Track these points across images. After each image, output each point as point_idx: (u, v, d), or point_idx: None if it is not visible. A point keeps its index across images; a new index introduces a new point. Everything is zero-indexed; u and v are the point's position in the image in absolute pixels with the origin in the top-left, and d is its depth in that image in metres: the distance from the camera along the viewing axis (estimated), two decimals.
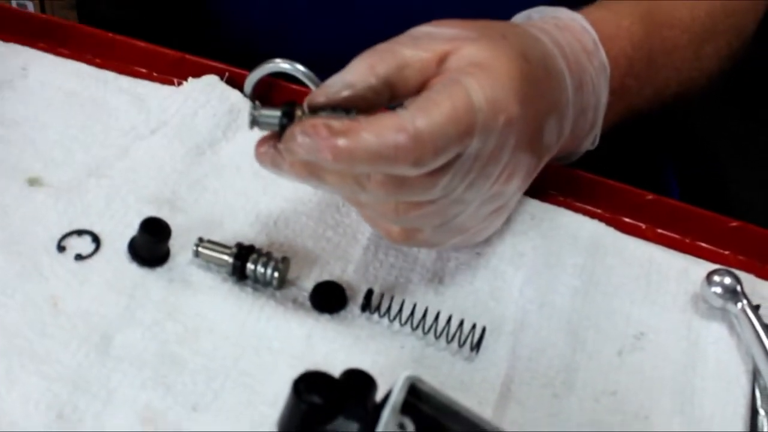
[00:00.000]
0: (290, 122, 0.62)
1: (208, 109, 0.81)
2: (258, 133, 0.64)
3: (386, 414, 0.49)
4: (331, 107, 0.62)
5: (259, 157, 0.64)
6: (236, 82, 0.83)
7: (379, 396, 0.55)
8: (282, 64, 0.81)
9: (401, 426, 0.49)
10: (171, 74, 0.85)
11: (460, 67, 0.63)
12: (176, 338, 0.66)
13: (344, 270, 0.71)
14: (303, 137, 0.59)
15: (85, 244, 0.71)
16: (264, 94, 0.83)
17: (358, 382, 0.55)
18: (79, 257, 0.70)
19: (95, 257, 0.70)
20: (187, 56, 0.85)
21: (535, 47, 0.68)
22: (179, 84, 0.84)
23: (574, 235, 0.75)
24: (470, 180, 0.63)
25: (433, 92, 0.61)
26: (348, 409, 0.54)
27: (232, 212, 0.74)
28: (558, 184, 0.78)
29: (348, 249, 0.72)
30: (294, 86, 0.82)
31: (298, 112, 0.62)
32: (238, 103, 0.82)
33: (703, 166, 1.12)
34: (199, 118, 0.81)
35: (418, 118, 0.59)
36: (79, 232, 0.71)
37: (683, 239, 0.78)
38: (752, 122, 1.72)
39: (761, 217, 0.81)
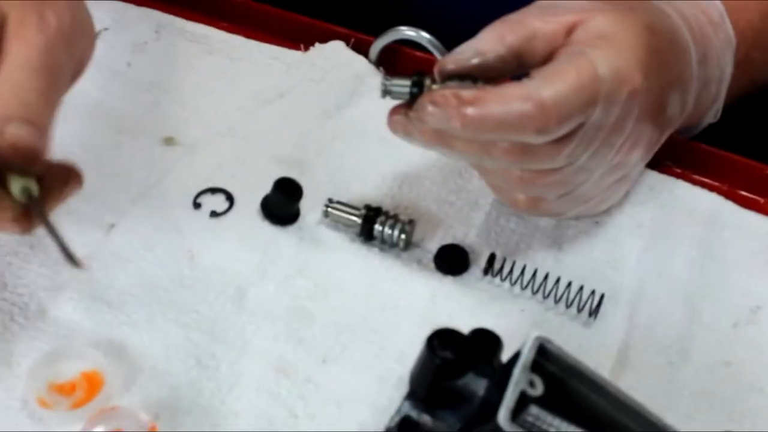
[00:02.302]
0: (420, 92, 0.64)
1: (334, 74, 0.84)
2: (386, 101, 0.67)
3: (517, 371, 0.51)
4: (458, 76, 0.64)
5: (392, 125, 0.66)
6: (361, 49, 0.85)
7: (504, 357, 0.57)
8: (407, 32, 0.83)
9: (531, 383, 0.51)
10: (298, 40, 0.87)
11: (586, 39, 0.64)
12: (307, 294, 0.69)
13: (466, 234, 0.73)
14: (433, 107, 0.62)
15: (219, 202, 0.74)
16: (388, 61, 0.85)
17: (486, 340, 0.58)
18: (214, 214, 0.73)
19: (229, 214, 0.74)
20: (314, 22, 0.87)
21: (661, 20, 0.69)
22: (306, 49, 0.86)
23: (692, 207, 0.76)
24: (593, 149, 0.65)
25: (559, 63, 0.63)
26: (477, 366, 0.56)
27: (359, 175, 0.77)
28: (677, 156, 0.79)
29: (470, 214, 0.75)
30: (418, 53, 0.84)
31: (427, 82, 0.64)
32: (363, 69, 0.84)
33: None
34: (325, 83, 0.84)
35: (544, 87, 0.61)
36: (213, 190, 0.75)
37: None
38: None
39: None
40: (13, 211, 0.57)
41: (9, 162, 0.57)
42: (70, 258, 0.57)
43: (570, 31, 0.66)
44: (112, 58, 0.85)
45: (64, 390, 0.63)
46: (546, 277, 0.69)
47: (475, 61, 0.64)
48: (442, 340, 0.55)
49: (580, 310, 0.69)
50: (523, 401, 0.51)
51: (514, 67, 0.66)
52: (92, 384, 0.63)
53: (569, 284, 0.69)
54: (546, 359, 0.54)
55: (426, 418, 0.56)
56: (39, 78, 0.59)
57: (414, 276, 0.70)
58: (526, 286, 0.69)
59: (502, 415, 0.49)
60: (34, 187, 0.57)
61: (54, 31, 0.61)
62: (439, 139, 0.64)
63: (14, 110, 0.58)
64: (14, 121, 0.57)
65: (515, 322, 0.68)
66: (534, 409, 0.52)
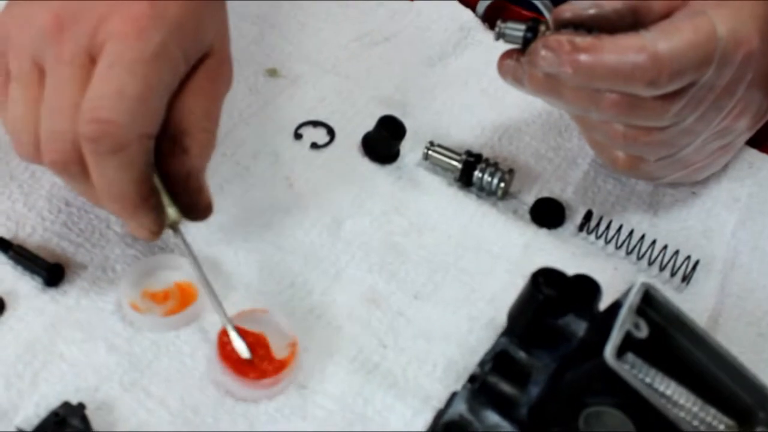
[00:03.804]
0: (534, 37, 0.64)
1: (440, 24, 0.84)
2: (491, 55, 0.67)
3: (624, 312, 0.51)
4: (574, 26, 0.64)
5: (502, 68, 0.66)
6: (469, 3, 0.86)
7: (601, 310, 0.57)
8: None
9: (636, 326, 0.51)
10: None
11: (705, 1, 0.64)
12: (401, 231, 0.69)
13: (563, 190, 0.73)
14: (546, 51, 0.62)
15: (320, 135, 0.75)
16: (495, 18, 0.84)
17: (587, 286, 0.58)
18: (314, 146, 0.74)
19: (329, 148, 0.74)
20: None
21: None
22: None
23: None
24: (702, 110, 0.64)
25: (677, 19, 0.63)
26: (578, 308, 0.56)
27: (459, 123, 0.77)
28: None
29: (568, 171, 0.74)
30: (525, 12, 0.84)
31: (542, 28, 0.64)
32: (469, 22, 0.85)
33: None
34: (431, 31, 0.84)
35: (660, 40, 0.60)
36: (315, 123, 0.75)
37: None
38: None
39: None
40: (159, 230, 0.61)
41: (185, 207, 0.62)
42: (207, 283, 0.61)
43: None
44: None
45: (157, 298, 0.64)
46: (642, 238, 0.69)
47: (591, 11, 0.64)
48: (546, 278, 0.55)
49: (673, 274, 0.68)
50: (624, 346, 0.51)
51: (630, 23, 0.65)
52: (185, 295, 0.64)
53: (665, 247, 0.68)
54: (649, 307, 0.53)
55: (522, 355, 0.56)
56: (215, 129, 0.63)
57: (509, 225, 0.70)
58: (620, 246, 0.69)
59: (609, 351, 0.49)
60: (181, 222, 0.62)
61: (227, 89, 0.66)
62: (548, 86, 0.64)
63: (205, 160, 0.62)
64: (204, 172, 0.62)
65: (607, 278, 0.67)
66: (631, 357, 0.52)
